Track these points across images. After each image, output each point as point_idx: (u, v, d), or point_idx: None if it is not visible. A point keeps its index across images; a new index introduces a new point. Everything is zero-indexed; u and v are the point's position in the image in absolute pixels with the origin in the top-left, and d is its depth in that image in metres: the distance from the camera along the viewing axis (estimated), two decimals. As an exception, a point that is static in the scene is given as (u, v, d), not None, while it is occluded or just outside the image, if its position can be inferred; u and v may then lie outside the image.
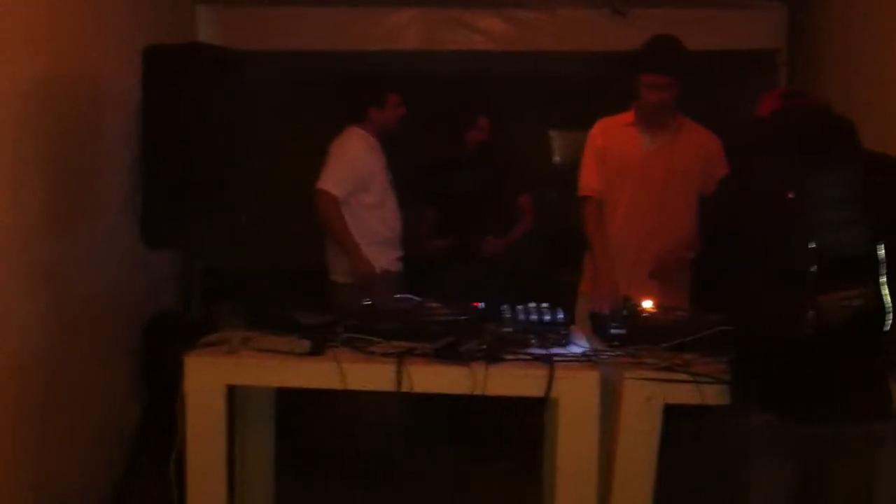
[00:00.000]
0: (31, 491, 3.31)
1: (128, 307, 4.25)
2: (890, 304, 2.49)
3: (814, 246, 2.49)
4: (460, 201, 4.96)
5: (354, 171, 4.37)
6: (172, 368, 3.15)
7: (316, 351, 2.99)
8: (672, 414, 2.92)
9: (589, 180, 4.05)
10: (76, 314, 3.65)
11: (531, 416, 3.43)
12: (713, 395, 2.83)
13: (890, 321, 2.48)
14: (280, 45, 5.16)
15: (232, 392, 3.17)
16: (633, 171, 3.99)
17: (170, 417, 3.09)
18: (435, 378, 2.94)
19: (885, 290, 2.46)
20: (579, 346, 3.14)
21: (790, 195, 2.54)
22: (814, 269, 2.49)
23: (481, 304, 3.28)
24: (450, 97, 5.08)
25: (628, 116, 4.04)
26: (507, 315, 3.20)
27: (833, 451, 2.64)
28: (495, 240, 4.92)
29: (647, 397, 2.88)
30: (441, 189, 5.05)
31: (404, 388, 2.89)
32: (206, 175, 3.43)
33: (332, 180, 4.33)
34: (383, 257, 4.45)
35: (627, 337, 3.13)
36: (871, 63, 4.48)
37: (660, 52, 3.86)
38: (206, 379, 2.99)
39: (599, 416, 2.91)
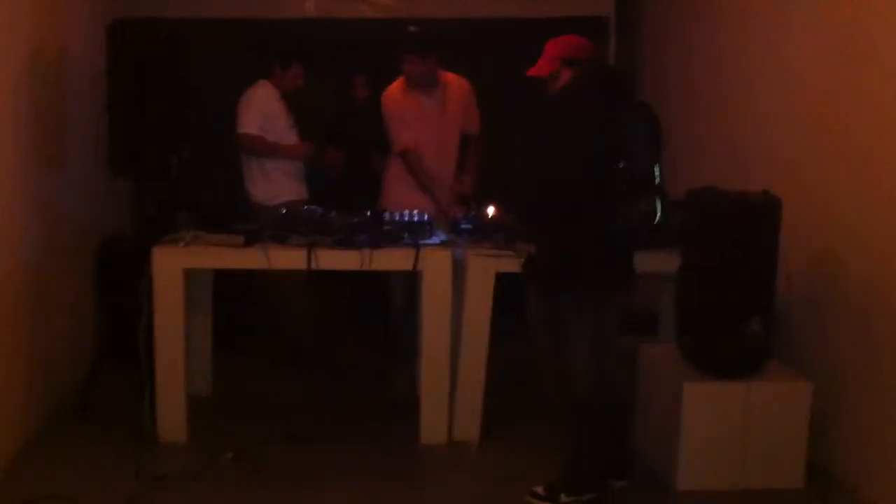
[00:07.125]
0: (28, 364, 4.24)
1: (92, 228, 5.20)
2: (660, 210, 3.24)
3: (623, 166, 3.25)
4: (356, 144, 5.75)
5: (260, 111, 5.22)
6: (123, 279, 4.14)
7: (248, 243, 4.06)
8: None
9: (399, 138, 5.08)
10: (56, 233, 4.59)
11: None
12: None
13: (660, 219, 3.29)
14: (211, 13, 6.10)
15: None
16: (420, 123, 5.05)
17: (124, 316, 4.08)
18: (335, 259, 4.05)
19: (659, 201, 3.25)
20: (439, 238, 4.34)
21: (608, 132, 3.26)
22: (622, 185, 3.25)
23: (368, 211, 4.37)
24: (339, 61, 5.93)
25: (402, 83, 5.07)
26: (388, 218, 4.34)
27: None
28: (380, 158, 5.55)
29: (483, 268, 4.10)
30: (341, 134, 5.86)
31: (312, 267, 4.00)
32: (155, 121, 4.38)
33: (247, 124, 5.21)
34: (289, 188, 5.34)
35: (473, 231, 4.36)
36: (681, 28, 5.63)
37: (411, 40, 5.00)
38: (169, 264, 4.01)
39: (452, 283, 4.10)
